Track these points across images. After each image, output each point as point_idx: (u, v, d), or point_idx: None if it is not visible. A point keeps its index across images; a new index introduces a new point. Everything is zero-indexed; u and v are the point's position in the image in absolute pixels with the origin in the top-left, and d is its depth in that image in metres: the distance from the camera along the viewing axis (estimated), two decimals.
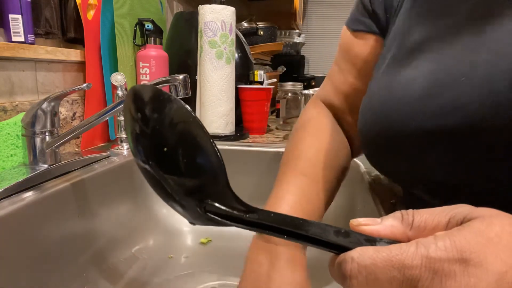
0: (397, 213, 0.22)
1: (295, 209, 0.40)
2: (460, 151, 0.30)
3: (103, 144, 0.79)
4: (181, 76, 0.54)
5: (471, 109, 0.28)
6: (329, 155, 0.45)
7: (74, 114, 0.72)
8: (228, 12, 0.81)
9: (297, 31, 2.14)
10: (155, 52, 0.82)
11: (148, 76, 0.82)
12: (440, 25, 0.34)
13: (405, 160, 0.35)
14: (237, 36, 0.96)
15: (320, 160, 0.45)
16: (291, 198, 0.41)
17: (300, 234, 0.23)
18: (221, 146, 0.78)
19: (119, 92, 0.69)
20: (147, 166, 0.27)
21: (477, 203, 0.22)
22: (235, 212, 0.25)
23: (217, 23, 0.80)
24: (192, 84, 0.64)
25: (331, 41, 3.63)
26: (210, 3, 0.80)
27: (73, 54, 0.70)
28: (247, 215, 0.25)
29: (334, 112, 0.52)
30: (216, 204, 0.26)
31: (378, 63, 0.42)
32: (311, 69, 3.26)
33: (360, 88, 0.47)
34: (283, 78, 1.71)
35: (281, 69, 1.72)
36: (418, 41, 0.36)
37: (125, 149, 0.71)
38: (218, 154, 0.25)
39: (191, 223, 0.28)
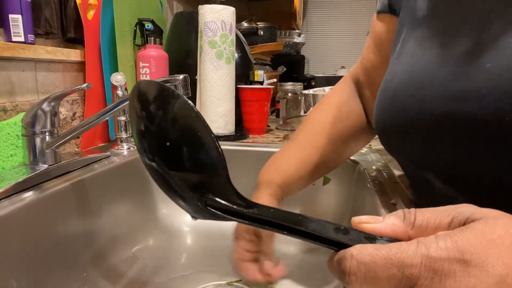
0: (399, 212, 0.22)
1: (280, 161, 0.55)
2: (474, 139, 0.30)
3: (103, 144, 0.79)
4: (181, 76, 0.54)
5: (494, 97, 0.28)
6: (324, 125, 0.55)
7: (74, 114, 0.72)
8: (228, 12, 0.81)
9: (297, 31, 2.14)
10: (155, 52, 0.82)
11: (148, 76, 0.82)
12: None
13: (418, 143, 0.35)
14: (237, 36, 0.96)
15: (314, 129, 0.56)
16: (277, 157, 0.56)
17: (299, 230, 0.23)
18: (221, 146, 0.78)
19: (119, 92, 0.68)
20: (153, 164, 0.27)
21: (488, 194, 0.22)
22: (235, 207, 0.26)
23: (217, 23, 0.80)
24: (192, 84, 0.64)
25: (331, 41, 3.63)
26: (210, 3, 0.80)
27: (73, 54, 0.70)
28: (247, 210, 0.25)
29: (358, 87, 0.57)
30: (217, 199, 0.26)
31: (394, 43, 0.44)
32: (311, 69, 3.26)
33: (377, 64, 0.52)
34: (283, 78, 1.71)
35: (281, 69, 1.72)
36: (442, 24, 0.36)
37: (125, 149, 0.71)
38: (219, 149, 0.25)
39: (193, 217, 0.28)
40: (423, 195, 0.42)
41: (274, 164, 0.56)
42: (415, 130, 0.35)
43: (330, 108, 0.57)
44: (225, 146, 0.78)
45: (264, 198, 0.51)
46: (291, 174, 0.53)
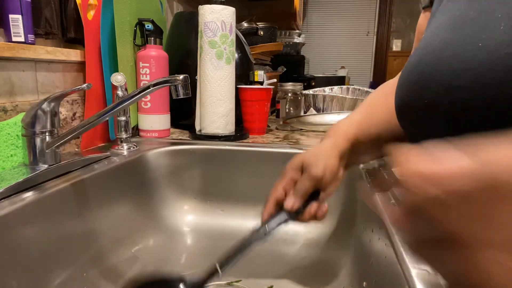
0: None
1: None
2: (465, 116, 0.32)
3: (103, 144, 0.79)
4: (181, 76, 0.54)
5: (483, 73, 0.30)
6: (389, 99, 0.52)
7: (74, 114, 0.72)
8: (228, 12, 0.81)
9: (297, 31, 2.14)
10: (155, 52, 0.82)
11: (148, 76, 0.82)
12: None
13: (418, 117, 0.38)
14: (237, 36, 0.96)
15: (378, 100, 0.55)
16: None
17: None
18: (221, 146, 0.78)
19: (119, 92, 0.69)
20: None
21: None
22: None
23: (217, 23, 0.80)
24: (192, 84, 0.64)
25: (331, 41, 3.64)
26: (210, 3, 0.80)
27: (73, 54, 0.70)
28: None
29: None
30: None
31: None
32: (311, 69, 3.26)
33: None
34: (283, 78, 1.71)
35: (281, 69, 1.72)
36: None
37: (125, 149, 0.71)
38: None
39: None
40: None
41: (347, 118, 0.53)
42: (418, 104, 0.37)
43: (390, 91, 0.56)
44: (225, 146, 0.78)
45: (326, 147, 0.49)
46: (362, 129, 0.51)
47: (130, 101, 0.53)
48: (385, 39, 3.58)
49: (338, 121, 0.54)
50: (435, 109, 0.35)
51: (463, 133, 0.33)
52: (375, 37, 3.59)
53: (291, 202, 0.46)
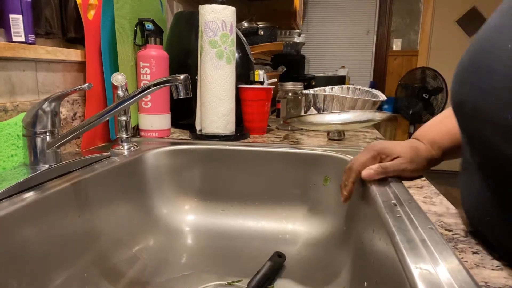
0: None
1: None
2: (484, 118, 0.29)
3: (103, 144, 0.79)
4: (182, 76, 0.54)
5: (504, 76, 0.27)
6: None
7: (74, 114, 0.72)
8: (228, 12, 0.81)
9: (297, 31, 2.14)
10: (155, 52, 0.82)
11: (148, 76, 0.82)
12: None
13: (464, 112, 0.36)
14: (237, 36, 0.96)
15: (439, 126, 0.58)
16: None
17: None
18: (221, 146, 0.78)
19: (120, 92, 0.69)
20: None
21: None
22: None
23: (218, 23, 0.80)
24: (192, 84, 0.64)
25: (331, 41, 3.63)
26: (210, 3, 0.80)
27: (73, 54, 0.70)
28: None
29: None
30: None
31: None
32: (311, 69, 3.26)
33: None
34: (283, 78, 1.71)
35: (281, 69, 1.72)
36: None
37: (125, 149, 0.71)
38: None
39: None
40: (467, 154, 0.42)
41: (432, 126, 0.58)
42: (454, 100, 0.36)
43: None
44: (225, 146, 0.78)
45: (424, 154, 0.54)
46: (443, 139, 0.54)
47: (130, 101, 0.53)
48: (385, 39, 3.58)
49: (425, 125, 0.59)
50: (461, 110, 0.33)
51: (485, 147, 0.31)
52: (375, 36, 3.59)
53: (373, 172, 0.53)
